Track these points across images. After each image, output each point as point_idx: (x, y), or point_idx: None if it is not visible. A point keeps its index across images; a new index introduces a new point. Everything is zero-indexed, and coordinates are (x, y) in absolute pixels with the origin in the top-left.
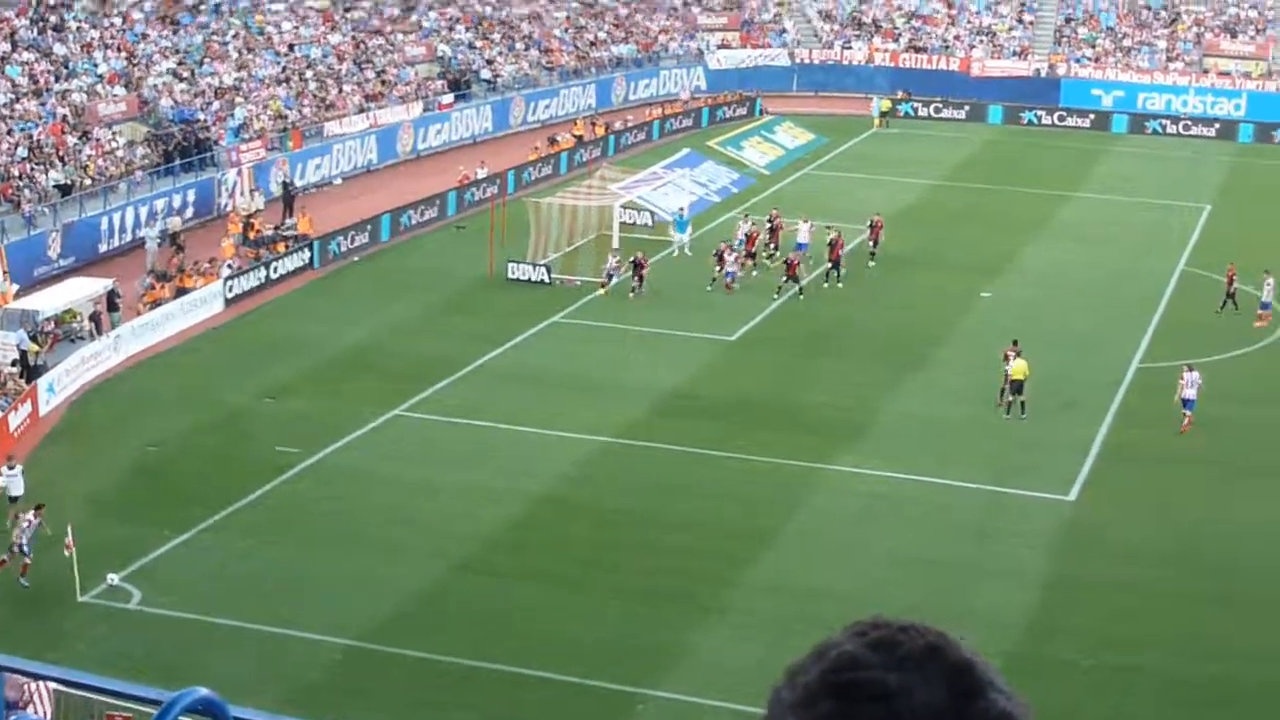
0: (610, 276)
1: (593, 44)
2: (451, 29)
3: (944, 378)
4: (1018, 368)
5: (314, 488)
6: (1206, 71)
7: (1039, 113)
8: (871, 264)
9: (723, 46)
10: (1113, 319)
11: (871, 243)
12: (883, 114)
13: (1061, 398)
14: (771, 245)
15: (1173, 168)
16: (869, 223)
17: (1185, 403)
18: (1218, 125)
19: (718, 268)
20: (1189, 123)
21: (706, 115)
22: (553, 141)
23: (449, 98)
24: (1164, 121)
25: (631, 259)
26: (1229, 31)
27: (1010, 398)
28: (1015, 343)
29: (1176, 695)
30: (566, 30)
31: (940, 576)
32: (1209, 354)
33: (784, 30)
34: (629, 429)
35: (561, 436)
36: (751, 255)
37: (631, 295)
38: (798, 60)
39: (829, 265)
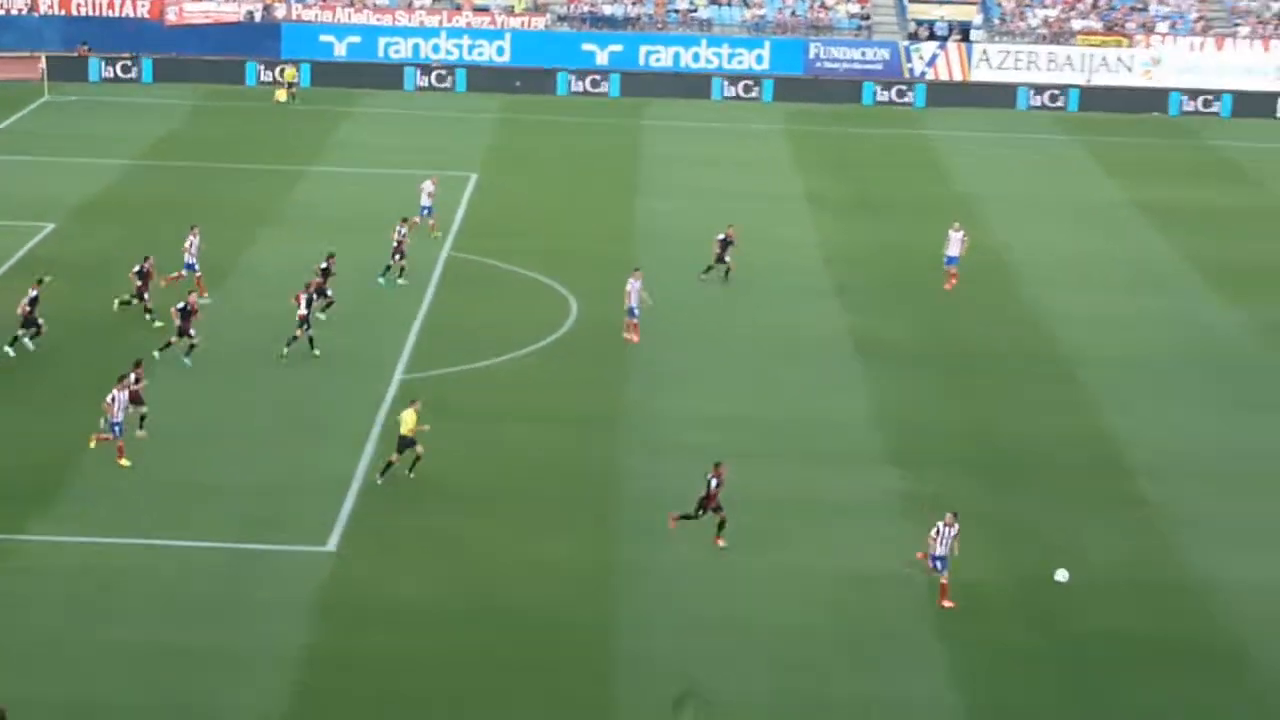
0: None
1: None
2: None
3: (155, 415)
4: (407, 419)
5: None
6: (459, 8)
7: (258, 66)
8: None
9: None
10: (364, 324)
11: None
12: (290, 85)
13: (311, 424)
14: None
15: (431, 130)
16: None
17: (631, 311)
18: (479, 73)
19: None
20: (444, 72)
21: None
22: None
23: None
24: (418, 71)
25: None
26: None
27: (397, 456)
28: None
29: None
30: None
31: (175, 668)
32: (492, 354)
33: None
34: None
35: None
36: None
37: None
38: None
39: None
